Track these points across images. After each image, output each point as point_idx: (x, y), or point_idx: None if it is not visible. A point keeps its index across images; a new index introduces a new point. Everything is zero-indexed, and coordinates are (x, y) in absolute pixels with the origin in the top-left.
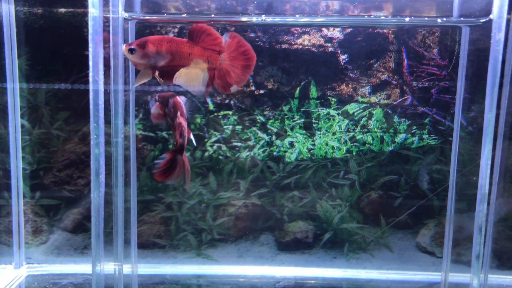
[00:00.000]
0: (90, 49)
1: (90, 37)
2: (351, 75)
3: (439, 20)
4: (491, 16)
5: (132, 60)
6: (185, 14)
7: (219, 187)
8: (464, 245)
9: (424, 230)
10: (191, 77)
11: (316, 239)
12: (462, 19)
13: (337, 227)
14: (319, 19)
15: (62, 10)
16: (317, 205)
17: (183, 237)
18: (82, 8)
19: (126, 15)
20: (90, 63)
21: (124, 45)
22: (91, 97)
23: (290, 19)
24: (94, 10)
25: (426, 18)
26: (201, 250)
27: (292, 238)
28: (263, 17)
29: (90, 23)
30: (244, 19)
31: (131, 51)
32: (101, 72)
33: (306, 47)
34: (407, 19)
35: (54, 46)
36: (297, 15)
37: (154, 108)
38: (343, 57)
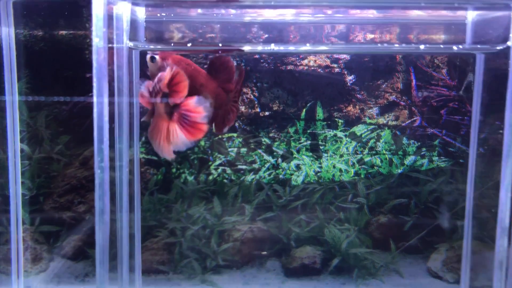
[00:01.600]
0: (95, 84)
1: (94, 71)
2: (358, 96)
3: (455, 47)
4: (509, 43)
5: (150, 68)
6: (190, 44)
7: (224, 212)
8: (479, 272)
9: (435, 254)
10: None
11: (324, 265)
12: (478, 46)
13: (346, 252)
14: (331, 47)
15: (63, 32)
16: (325, 229)
17: (187, 263)
18: (83, 30)
19: (131, 44)
20: (95, 98)
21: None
22: (95, 131)
23: (302, 48)
24: (97, 40)
25: (442, 46)
26: (206, 277)
27: (300, 264)
28: (272, 46)
29: (94, 56)
30: (247, 48)
31: (152, 59)
32: (106, 109)
33: (312, 68)
34: (422, 46)
35: (55, 68)
36: (307, 44)
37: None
38: (349, 78)
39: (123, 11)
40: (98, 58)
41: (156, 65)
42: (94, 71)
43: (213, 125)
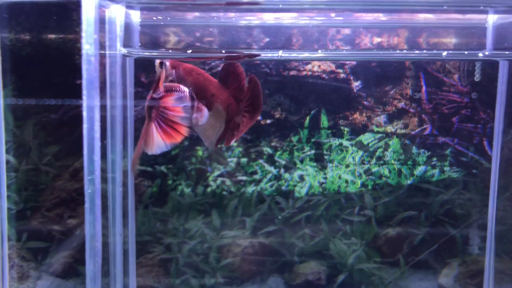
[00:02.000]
0: (84, 98)
1: (84, 82)
2: (365, 103)
3: (480, 54)
4: None
5: (158, 74)
6: (190, 50)
7: (223, 226)
8: None
9: (447, 269)
10: (207, 127)
11: (329, 281)
12: (507, 53)
13: (352, 267)
14: (341, 53)
15: (52, 36)
16: (330, 244)
17: (184, 281)
18: (73, 34)
19: (124, 51)
20: (84, 112)
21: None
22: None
23: (306, 54)
24: (88, 47)
25: (466, 53)
26: None
27: (304, 280)
28: (280, 52)
29: (84, 66)
30: (250, 53)
31: (161, 64)
32: (98, 121)
33: (316, 73)
34: (444, 53)
35: (43, 74)
36: (319, 51)
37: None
38: (356, 84)
39: (117, 14)
40: (88, 67)
41: (166, 72)
42: (84, 82)
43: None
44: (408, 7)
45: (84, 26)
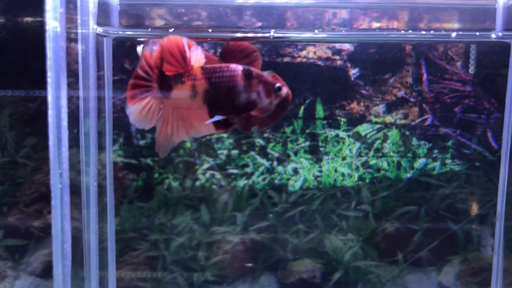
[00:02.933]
0: (49, 80)
1: (48, 61)
2: (363, 91)
3: (493, 35)
4: None
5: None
6: (172, 29)
7: (213, 221)
8: None
9: (448, 267)
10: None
11: (324, 280)
12: None
13: (349, 265)
14: (341, 34)
15: (28, 19)
16: (325, 240)
17: (171, 279)
18: None
19: (100, 30)
20: (49, 96)
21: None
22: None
23: (305, 35)
24: (53, 23)
25: (478, 34)
26: None
27: (297, 278)
28: (272, 32)
29: (49, 44)
30: (248, 34)
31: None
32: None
33: (311, 60)
34: (453, 34)
35: (19, 61)
36: (316, 31)
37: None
38: (353, 72)
39: None
40: (54, 46)
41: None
42: (49, 62)
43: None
44: None
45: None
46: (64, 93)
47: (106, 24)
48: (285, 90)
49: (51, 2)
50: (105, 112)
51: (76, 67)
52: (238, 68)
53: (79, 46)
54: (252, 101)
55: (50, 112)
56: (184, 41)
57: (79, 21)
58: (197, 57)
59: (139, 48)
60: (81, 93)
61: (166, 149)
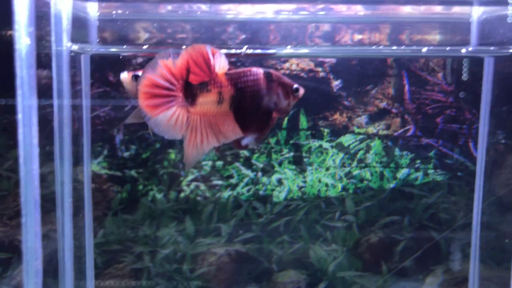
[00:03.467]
0: (19, 98)
1: (18, 81)
2: (346, 103)
3: (463, 50)
4: None
5: (130, 89)
6: (146, 46)
7: (197, 233)
8: None
9: (431, 277)
10: None
11: None
12: (492, 48)
13: (333, 275)
14: (316, 50)
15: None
16: (310, 251)
17: None
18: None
19: (75, 47)
20: (20, 115)
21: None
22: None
23: (287, 51)
24: (23, 40)
25: (448, 49)
26: None
27: None
28: (244, 48)
29: (18, 63)
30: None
31: (135, 77)
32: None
33: (294, 72)
34: (424, 49)
35: (2, 72)
36: (293, 45)
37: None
38: (336, 83)
39: (63, 7)
40: (23, 63)
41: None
42: (19, 81)
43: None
44: None
45: (17, 17)
46: (34, 112)
47: (84, 40)
48: (302, 91)
49: (22, 19)
50: (83, 127)
51: (50, 83)
52: (259, 71)
53: (53, 64)
54: (273, 103)
55: (20, 130)
56: (208, 49)
57: (53, 38)
58: (221, 64)
59: (124, 75)
60: (55, 110)
61: (196, 158)
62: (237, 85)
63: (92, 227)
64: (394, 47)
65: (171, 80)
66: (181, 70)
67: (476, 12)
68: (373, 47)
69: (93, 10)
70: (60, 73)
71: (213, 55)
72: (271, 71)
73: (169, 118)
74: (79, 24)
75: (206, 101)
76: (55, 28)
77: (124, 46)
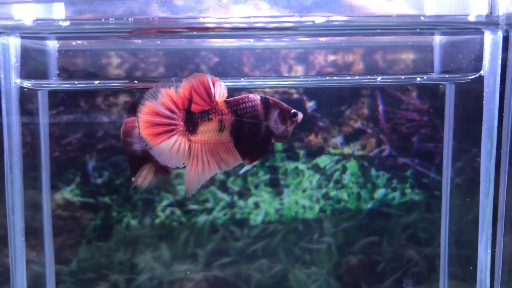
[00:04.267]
0: None
1: None
2: (320, 124)
3: (418, 79)
4: (481, 72)
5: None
6: (97, 81)
7: (174, 259)
8: None
9: None
10: None
11: None
12: (447, 76)
13: None
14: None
15: None
16: (289, 274)
17: None
18: None
19: (28, 84)
20: None
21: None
22: None
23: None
24: None
25: (403, 77)
26: None
27: None
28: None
29: None
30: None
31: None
32: None
33: (268, 94)
34: (378, 79)
35: None
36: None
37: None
38: (310, 104)
39: (10, 43)
40: None
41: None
42: None
43: None
44: (360, 31)
45: None
46: None
47: (42, 74)
48: (300, 116)
49: None
50: (41, 161)
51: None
52: (256, 97)
53: (2, 102)
54: (271, 128)
55: None
56: (209, 77)
57: (2, 75)
58: (221, 92)
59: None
60: (6, 148)
61: (197, 185)
62: (237, 112)
63: (53, 252)
64: (347, 77)
65: (173, 109)
66: (182, 99)
67: (439, 37)
68: (333, 78)
69: (52, 42)
70: (10, 110)
71: (213, 83)
72: (268, 97)
73: (171, 147)
74: (37, 57)
75: (208, 130)
76: (3, 66)
77: (76, 82)
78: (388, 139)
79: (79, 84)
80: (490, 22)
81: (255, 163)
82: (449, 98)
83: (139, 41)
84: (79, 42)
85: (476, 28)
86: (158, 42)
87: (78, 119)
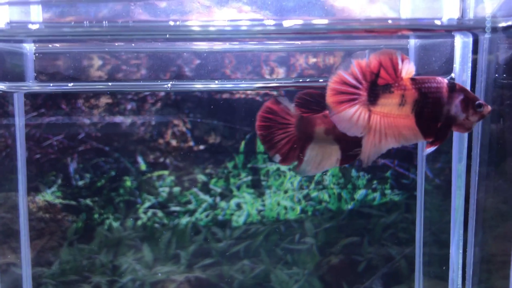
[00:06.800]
0: None
1: None
2: None
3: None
4: (452, 75)
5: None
6: (71, 84)
7: (156, 261)
8: None
9: None
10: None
11: None
12: None
13: None
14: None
15: None
16: (271, 274)
17: None
18: None
19: (3, 87)
20: None
21: None
22: None
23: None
24: None
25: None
26: None
27: None
28: (169, 84)
29: None
30: None
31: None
32: None
33: (250, 96)
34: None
35: None
36: (219, 80)
37: None
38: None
39: None
40: None
41: None
42: None
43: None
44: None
45: None
46: None
47: (18, 77)
48: (488, 109)
49: None
50: (18, 164)
51: None
52: (444, 80)
53: None
54: (452, 113)
55: None
56: (399, 54)
57: None
58: (408, 69)
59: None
60: None
61: (374, 157)
62: (421, 90)
63: (30, 258)
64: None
65: (360, 79)
66: (370, 71)
67: (413, 40)
68: (307, 80)
69: (29, 45)
70: None
71: (403, 60)
72: (456, 82)
73: (351, 116)
74: (12, 60)
75: (388, 103)
76: None
77: (51, 85)
78: None
79: (53, 87)
80: (461, 25)
81: (435, 146)
82: None
83: (122, 43)
84: (57, 44)
85: (448, 31)
86: (133, 45)
87: (59, 120)
